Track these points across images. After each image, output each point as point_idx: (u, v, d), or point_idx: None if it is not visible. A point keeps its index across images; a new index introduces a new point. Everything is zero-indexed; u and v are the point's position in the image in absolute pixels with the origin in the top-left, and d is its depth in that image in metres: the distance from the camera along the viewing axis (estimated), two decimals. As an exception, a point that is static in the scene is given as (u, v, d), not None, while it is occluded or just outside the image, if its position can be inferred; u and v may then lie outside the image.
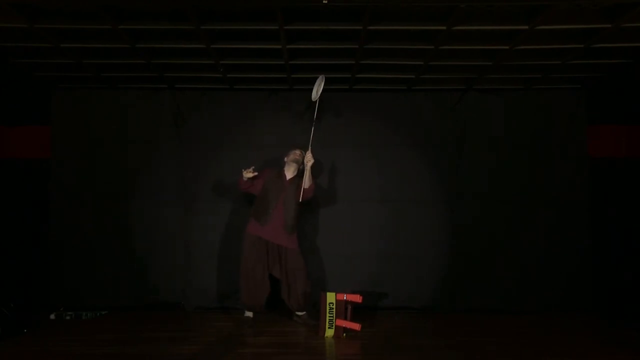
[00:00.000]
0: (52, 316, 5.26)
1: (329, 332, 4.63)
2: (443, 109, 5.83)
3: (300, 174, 5.31)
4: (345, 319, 4.69)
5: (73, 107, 5.79)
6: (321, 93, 5.14)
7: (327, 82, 5.51)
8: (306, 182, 5.14)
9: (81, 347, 4.24)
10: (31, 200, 5.75)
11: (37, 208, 5.73)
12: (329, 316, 4.64)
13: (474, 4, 3.79)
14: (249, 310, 5.26)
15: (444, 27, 4.15)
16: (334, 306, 4.64)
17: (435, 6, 3.97)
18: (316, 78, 5.36)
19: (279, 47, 4.58)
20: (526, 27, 4.10)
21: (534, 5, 3.86)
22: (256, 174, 5.18)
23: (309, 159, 5.12)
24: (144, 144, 5.77)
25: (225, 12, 4.14)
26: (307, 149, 5.15)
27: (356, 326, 4.66)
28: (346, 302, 4.70)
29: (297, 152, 5.32)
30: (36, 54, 4.87)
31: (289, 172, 5.30)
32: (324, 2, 3.70)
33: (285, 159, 5.34)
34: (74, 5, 3.92)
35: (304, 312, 5.18)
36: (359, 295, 4.72)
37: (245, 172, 5.12)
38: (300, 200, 5.13)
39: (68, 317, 5.28)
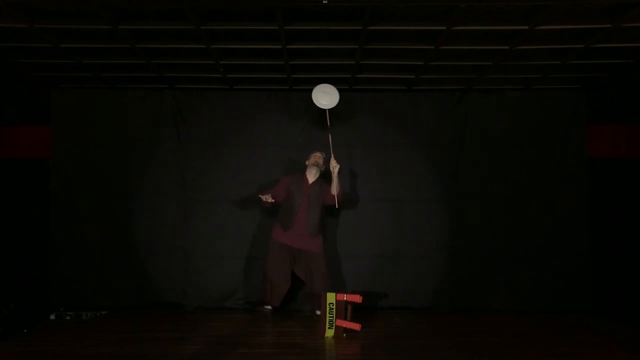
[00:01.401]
0: (52, 316, 5.26)
1: (329, 332, 4.63)
2: (443, 109, 5.83)
3: (321, 176, 5.36)
4: (345, 319, 4.69)
5: (73, 107, 5.79)
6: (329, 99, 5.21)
7: (328, 82, 5.52)
8: (336, 188, 5.21)
9: (81, 347, 4.24)
10: (31, 200, 5.74)
11: (37, 208, 5.72)
12: (329, 316, 4.64)
13: (474, 4, 3.79)
14: (267, 304, 5.33)
15: (444, 27, 4.14)
16: (334, 306, 4.64)
17: (435, 6, 3.96)
18: (317, 78, 5.38)
19: (279, 47, 4.58)
20: (526, 27, 4.10)
21: (534, 5, 3.85)
22: (273, 201, 5.23)
23: (334, 165, 5.18)
24: (144, 144, 5.77)
25: (225, 12, 4.13)
26: (330, 157, 5.21)
27: (356, 326, 4.66)
28: (346, 302, 4.70)
29: (317, 154, 5.37)
30: (36, 54, 4.86)
31: (311, 176, 5.35)
32: (324, 2, 3.69)
33: (307, 162, 5.40)
34: (74, 5, 3.92)
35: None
36: (359, 295, 4.73)
37: (264, 198, 5.19)
38: (337, 206, 5.25)
39: (68, 317, 5.28)
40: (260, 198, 5.24)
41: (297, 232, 5.22)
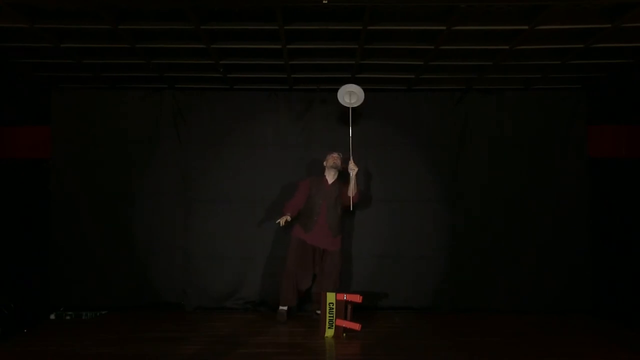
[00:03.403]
0: (52, 316, 5.27)
1: (329, 332, 4.63)
2: (443, 109, 5.83)
3: (340, 177, 5.37)
4: (345, 319, 4.69)
5: (73, 107, 5.79)
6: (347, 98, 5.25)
7: (328, 82, 5.54)
8: (352, 190, 5.22)
9: (81, 347, 4.24)
10: (31, 200, 5.74)
11: (37, 208, 5.72)
12: (329, 316, 4.64)
13: (474, 4, 3.79)
14: (284, 305, 5.29)
15: (444, 27, 4.14)
16: (334, 306, 4.64)
17: (435, 6, 3.96)
18: (317, 78, 5.40)
19: (279, 47, 4.58)
20: (526, 27, 4.10)
21: (534, 5, 3.86)
22: (290, 219, 5.21)
23: (352, 168, 5.20)
24: (144, 144, 5.77)
25: (225, 12, 4.13)
26: (349, 159, 5.22)
27: (356, 326, 4.66)
28: (346, 302, 4.70)
29: (335, 155, 5.37)
30: (36, 54, 4.86)
31: (330, 177, 5.36)
32: (324, 2, 3.69)
33: (325, 163, 5.40)
34: (74, 5, 3.92)
35: None
36: (359, 295, 4.73)
37: (282, 222, 5.18)
38: (352, 208, 5.26)
39: (68, 317, 5.28)
40: (279, 223, 5.21)
41: (319, 233, 5.25)
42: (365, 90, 5.76)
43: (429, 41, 4.48)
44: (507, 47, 4.51)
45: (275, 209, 5.52)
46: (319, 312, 5.14)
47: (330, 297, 4.67)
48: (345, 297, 4.69)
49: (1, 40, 4.49)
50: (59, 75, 5.47)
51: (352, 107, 5.29)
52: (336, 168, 5.34)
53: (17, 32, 4.33)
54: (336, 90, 5.64)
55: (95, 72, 5.33)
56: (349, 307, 4.75)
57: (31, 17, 4.04)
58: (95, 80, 5.58)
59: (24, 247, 5.68)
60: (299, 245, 5.26)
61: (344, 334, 4.62)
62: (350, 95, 5.26)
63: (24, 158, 5.80)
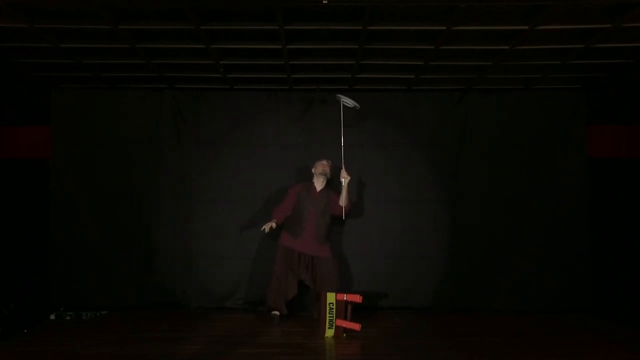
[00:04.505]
0: (52, 316, 5.26)
1: (329, 332, 4.63)
2: (443, 109, 5.83)
3: (328, 184, 5.36)
4: (345, 319, 4.69)
5: (73, 107, 5.79)
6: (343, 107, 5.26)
7: (328, 82, 5.54)
8: (344, 200, 5.20)
9: (81, 347, 4.24)
10: (31, 200, 5.74)
11: (37, 208, 5.72)
12: (329, 316, 4.64)
13: (474, 4, 3.79)
14: (274, 310, 5.27)
15: (444, 27, 4.14)
16: (334, 306, 4.64)
17: (435, 6, 3.97)
18: (317, 78, 5.41)
19: (279, 47, 4.58)
20: (526, 27, 4.10)
21: (534, 5, 3.86)
22: (274, 226, 5.17)
23: (344, 177, 5.17)
24: (144, 144, 5.77)
25: (225, 12, 4.13)
26: (342, 168, 5.21)
27: (356, 326, 4.66)
28: (346, 302, 4.70)
29: (324, 162, 5.36)
30: (36, 54, 4.87)
31: (318, 184, 5.34)
32: (324, 2, 3.69)
33: (313, 170, 5.39)
34: (74, 5, 3.92)
35: None
36: (359, 295, 4.73)
37: (267, 229, 5.13)
38: (344, 218, 5.26)
39: (68, 317, 5.28)
40: (264, 230, 5.16)
41: (307, 240, 5.22)
42: (365, 90, 5.79)
43: (429, 41, 4.48)
44: (507, 47, 4.51)
45: (266, 210, 5.51)
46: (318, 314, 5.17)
47: (330, 297, 4.67)
48: (345, 297, 4.69)
49: (1, 40, 4.49)
50: (59, 75, 5.47)
51: (346, 114, 5.28)
52: (325, 175, 5.32)
53: (17, 32, 4.33)
54: (336, 90, 5.65)
55: (95, 72, 5.33)
56: (349, 307, 4.75)
57: (31, 17, 4.04)
58: (95, 80, 5.58)
59: (24, 247, 5.67)
60: (286, 252, 5.24)
61: (344, 334, 4.62)
62: (347, 101, 5.28)
63: (24, 158, 5.80)
